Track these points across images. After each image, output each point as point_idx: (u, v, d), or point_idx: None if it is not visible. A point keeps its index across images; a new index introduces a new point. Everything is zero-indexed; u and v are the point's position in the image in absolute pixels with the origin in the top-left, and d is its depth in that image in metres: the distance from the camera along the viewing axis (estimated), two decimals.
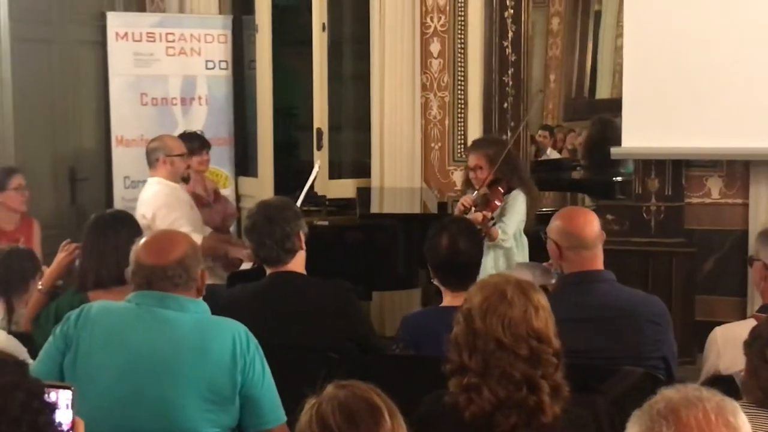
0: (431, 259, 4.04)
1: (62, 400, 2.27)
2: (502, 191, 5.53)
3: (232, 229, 7.13)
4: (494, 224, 5.41)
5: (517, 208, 5.57)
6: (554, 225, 3.97)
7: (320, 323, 3.97)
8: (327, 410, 2.10)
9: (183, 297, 3.16)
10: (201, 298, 3.27)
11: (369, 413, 2.10)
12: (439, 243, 4.00)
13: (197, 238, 5.64)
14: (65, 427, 2.26)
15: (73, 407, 2.28)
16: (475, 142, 6.11)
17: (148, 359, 3.05)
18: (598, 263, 3.86)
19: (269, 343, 3.40)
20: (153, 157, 5.89)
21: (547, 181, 7.93)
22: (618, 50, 7.12)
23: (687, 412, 1.87)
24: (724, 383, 3.16)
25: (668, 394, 1.91)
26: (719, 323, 3.82)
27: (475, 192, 5.59)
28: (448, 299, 3.96)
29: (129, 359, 3.05)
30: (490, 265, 5.44)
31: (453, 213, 5.64)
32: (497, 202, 5.48)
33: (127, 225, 4.10)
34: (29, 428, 2.14)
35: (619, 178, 7.79)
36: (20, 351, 3.51)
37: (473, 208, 5.50)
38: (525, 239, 5.68)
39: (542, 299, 2.73)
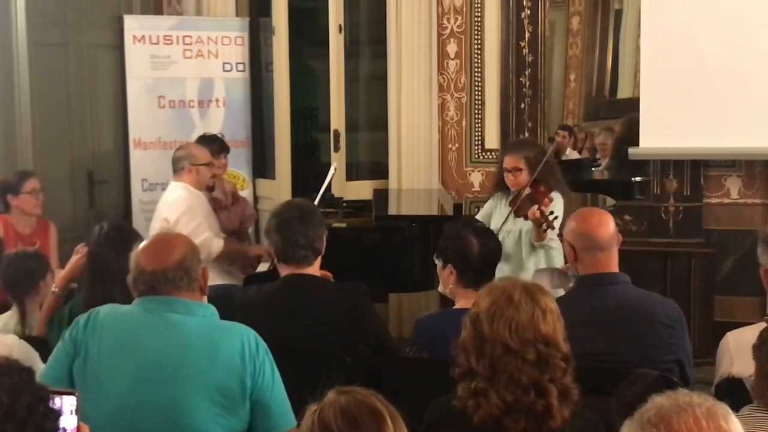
0: (462, 262, 3.97)
1: (66, 405, 2.28)
2: (547, 191, 5.43)
3: (251, 230, 7.14)
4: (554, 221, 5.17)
5: (558, 209, 5.42)
6: (569, 226, 3.96)
7: (333, 326, 3.96)
8: (329, 415, 2.09)
9: (190, 300, 3.16)
10: (206, 300, 3.27)
11: (371, 418, 2.09)
12: (470, 245, 3.96)
13: (219, 242, 5.75)
14: None
15: (77, 413, 2.28)
16: (512, 144, 6.03)
17: (157, 364, 3.05)
18: (613, 265, 3.83)
19: (282, 345, 3.39)
20: (179, 165, 5.94)
21: (568, 182, 7.86)
22: (639, 49, 7.07)
23: (678, 418, 1.84)
24: (736, 386, 3.13)
25: (659, 401, 1.89)
26: (739, 323, 3.77)
27: (519, 198, 5.43)
28: (462, 302, 3.94)
29: (138, 364, 3.05)
30: (531, 267, 5.39)
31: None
32: (547, 201, 5.31)
33: (134, 239, 3.95)
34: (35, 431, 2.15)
35: (637, 179, 7.74)
36: (31, 355, 3.51)
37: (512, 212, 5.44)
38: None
39: (550, 303, 2.71)
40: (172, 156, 6.07)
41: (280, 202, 4.79)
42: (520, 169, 5.49)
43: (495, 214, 5.70)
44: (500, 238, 5.45)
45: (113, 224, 4.32)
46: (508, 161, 5.57)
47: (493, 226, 5.45)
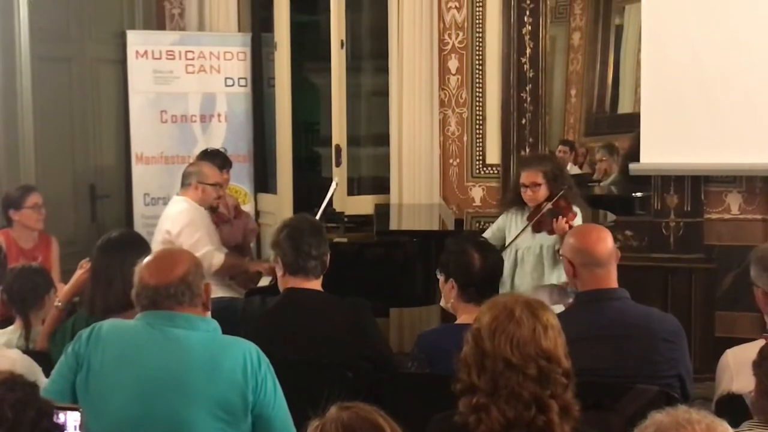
0: (463, 276, 3.97)
1: (70, 421, 2.29)
2: (569, 206, 5.45)
3: (253, 245, 7.14)
4: None
5: (580, 223, 5.44)
6: (568, 242, 3.98)
7: (335, 340, 3.96)
8: (331, 431, 2.09)
9: (192, 315, 3.16)
10: (210, 315, 3.28)
11: None
12: (471, 259, 3.97)
13: (220, 256, 5.76)
14: None
15: (81, 429, 2.29)
16: (528, 159, 6.03)
17: (159, 378, 3.05)
18: (612, 281, 3.84)
19: (285, 359, 3.40)
20: (187, 180, 5.98)
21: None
22: (640, 65, 7.08)
23: None
24: (737, 402, 3.14)
25: (658, 417, 1.89)
26: (739, 339, 3.78)
27: (540, 213, 5.45)
28: (463, 317, 3.95)
29: (141, 378, 3.06)
30: (554, 282, 5.40)
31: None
32: (572, 216, 5.37)
33: (134, 248, 4.00)
34: None
35: (638, 194, 7.74)
36: (34, 370, 3.52)
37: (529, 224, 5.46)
38: None
39: (552, 318, 2.71)
40: (184, 170, 6.13)
41: (285, 217, 4.80)
42: (539, 184, 5.52)
43: (511, 229, 5.69)
44: (519, 253, 5.52)
45: (120, 232, 4.35)
46: (526, 176, 5.58)
47: (509, 241, 5.50)
